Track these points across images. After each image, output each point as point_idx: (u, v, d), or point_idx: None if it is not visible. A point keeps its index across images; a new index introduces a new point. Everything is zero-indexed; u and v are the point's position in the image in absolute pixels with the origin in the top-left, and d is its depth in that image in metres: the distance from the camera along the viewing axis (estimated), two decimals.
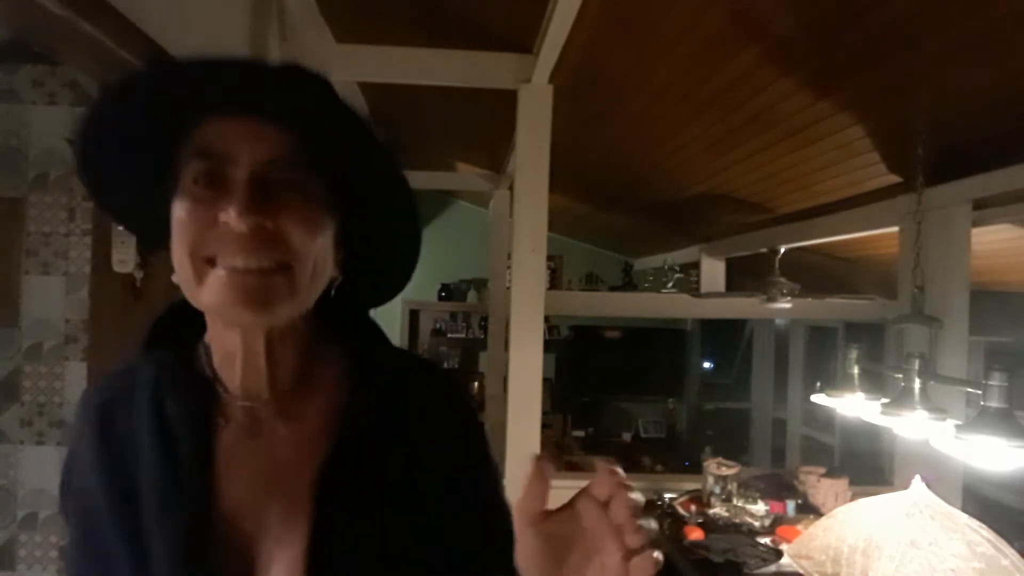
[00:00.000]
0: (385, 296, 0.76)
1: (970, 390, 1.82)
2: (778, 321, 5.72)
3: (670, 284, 4.79)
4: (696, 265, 4.82)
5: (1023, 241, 2.55)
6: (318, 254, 0.62)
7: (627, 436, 6.32)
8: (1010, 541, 1.56)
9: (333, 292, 0.67)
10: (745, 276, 4.39)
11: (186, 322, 0.68)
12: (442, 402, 0.73)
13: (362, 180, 0.64)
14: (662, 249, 5.52)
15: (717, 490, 3.12)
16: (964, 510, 1.71)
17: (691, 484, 3.31)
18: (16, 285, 1.86)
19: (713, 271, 4.69)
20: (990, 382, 1.46)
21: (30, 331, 1.86)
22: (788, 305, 3.27)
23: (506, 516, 0.67)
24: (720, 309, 4.13)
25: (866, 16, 1.61)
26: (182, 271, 0.59)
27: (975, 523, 1.58)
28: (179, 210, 0.59)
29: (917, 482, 1.69)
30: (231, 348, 0.64)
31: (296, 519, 0.62)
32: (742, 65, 2.06)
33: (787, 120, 2.34)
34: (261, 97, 0.58)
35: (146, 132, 0.61)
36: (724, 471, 3.14)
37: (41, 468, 1.86)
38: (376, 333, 0.74)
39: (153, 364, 0.68)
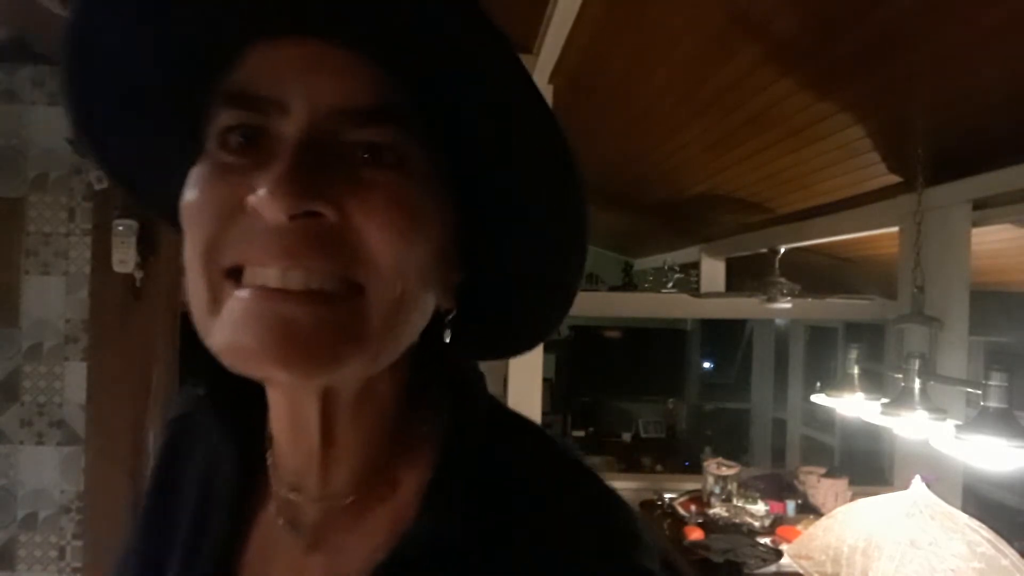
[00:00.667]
0: (516, 345, 0.49)
1: (970, 390, 1.82)
2: (778, 321, 5.72)
3: (670, 284, 4.79)
4: (696, 265, 4.82)
5: (1023, 241, 2.55)
6: (415, 272, 0.37)
7: (627, 436, 6.32)
8: (1010, 541, 1.56)
9: (447, 335, 0.44)
10: (745, 276, 4.39)
11: None
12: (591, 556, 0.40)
13: (503, 154, 0.39)
14: (662, 249, 5.52)
15: (717, 490, 3.12)
16: (964, 510, 1.71)
17: (691, 484, 3.31)
18: (16, 285, 1.86)
19: (713, 271, 4.69)
20: (990, 382, 1.46)
21: (30, 331, 1.86)
22: (788, 305, 3.28)
23: None
24: (720, 309, 4.14)
25: (866, 16, 1.61)
26: (193, 291, 0.37)
27: (975, 523, 1.58)
28: (189, 187, 0.37)
29: (917, 482, 1.69)
30: (276, 416, 0.44)
31: None
32: (742, 65, 2.06)
33: (787, 120, 2.34)
34: (330, 7, 0.35)
35: (163, 61, 0.39)
36: (724, 471, 3.14)
37: (41, 468, 1.86)
38: (481, 404, 0.46)
39: (194, 406, 0.51)
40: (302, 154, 0.34)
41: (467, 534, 0.40)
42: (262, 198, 0.33)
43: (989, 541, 1.52)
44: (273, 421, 0.44)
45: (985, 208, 2.21)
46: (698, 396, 6.86)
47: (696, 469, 3.48)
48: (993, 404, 1.46)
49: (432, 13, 0.34)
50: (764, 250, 3.55)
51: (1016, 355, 3.22)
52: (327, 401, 0.41)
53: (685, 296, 4.30)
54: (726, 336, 6.78)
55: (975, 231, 2.26)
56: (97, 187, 1.73)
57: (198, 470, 0.49)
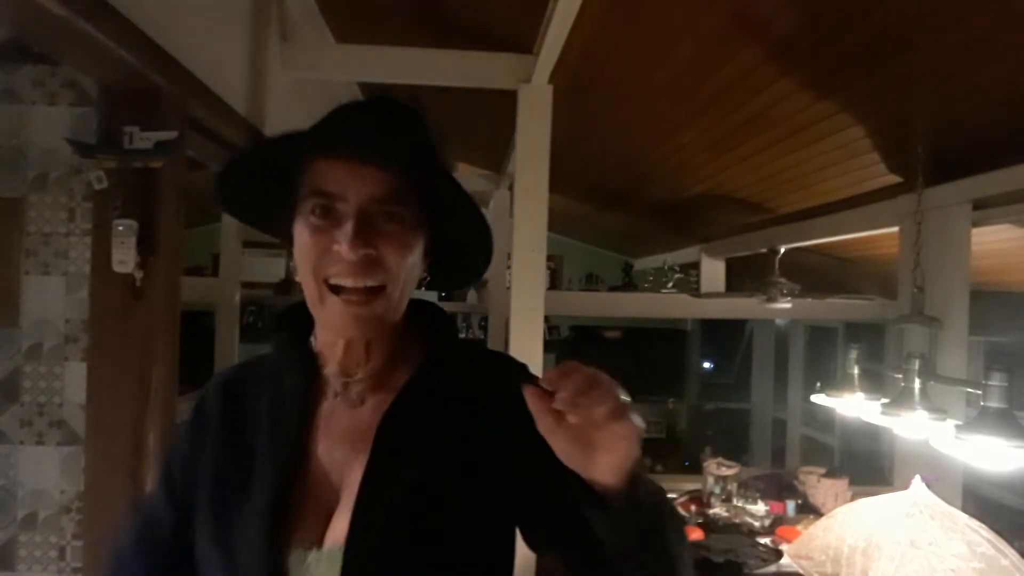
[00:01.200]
0: (465, 283, 0.96)
1: (970, 390, 1.82)
2: (778, 321, 5.72)
3: (670, 284, 4.79)
4: (696, 265, 4.82)
5: (1023, 241, 2.55)
6: (408, 271, 0.77)
7: None
8: (1010, 541, 1.56)
9: (423, 287, 0.85)
10: (745, 276, 4.39)
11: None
12: (504, 382, 0.79)
13: (441, 199, 0.77)
14: (662, 249, 5.52)
15: (717, 490, 3.12)
16: (964, 510, 1.71)
17: (691, 484, 3.31)
18: (16, 285, 1.86)
19: (713, 271, 4.69)
20: (990, 382, 1.46)
21: (30, 331, 1.86)
22: (788, 305, 3.28)
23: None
24: (720, 309, 4.13)
25: (866, 16, 1.62)
26: (307, 288, 0.76)
27: (975, 523, 1.58)
28: (302, 236, 0.75)
29: (917, 482, 1.69)
30: (334, 341, 0.80)
31: (362, 459, 0.76)
32: (742, 65, 2.06)
33: (787, 120, 2.34)
34: (364, 144, 0.74)
35: (271, 168, 0.78)
36: (724, 471, 3.14)
37: (41, 468, 1.85)
38: (451, 325, 0.90)
39: (275, 344, 0.86)
40: (358, 223, 0.72)
41: (436, 387, 0.81)
42: (343, 247, 0.72)
43: (989, 541, 1.52)
44: (333, 347, 0.81)
45: (985, 208, 2.21)
46: (698, 396, 6.86)
47: (696, 469, 3.47)
48: (993, 404, 1.46)
49: (411, 148, 0.76)
50: (764, 250, 3.55)
51: (1016, 355, 3.22)
52: (369, 338, 0.80)
53: (685, 296, 4.30)
54: (726, 336, 6.78)
55: (975, 231, 2.26)
56: (97, 187, 1.73)
57: (266, 401, 0.84)
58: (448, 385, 0.81)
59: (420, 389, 0.80)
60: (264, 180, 0.79)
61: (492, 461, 0.78)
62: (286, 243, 0.81)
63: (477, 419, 0.80)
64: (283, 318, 0.87)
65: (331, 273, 0.73)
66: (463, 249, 0.85)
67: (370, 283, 0.73)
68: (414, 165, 0.74)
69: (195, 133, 1.91)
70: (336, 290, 0.74)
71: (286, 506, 0.75)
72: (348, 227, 0.71)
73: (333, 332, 0.79)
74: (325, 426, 0.81)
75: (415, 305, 0.84)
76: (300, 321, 0.84)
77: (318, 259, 0.73)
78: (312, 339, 0.84)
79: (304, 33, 2.65)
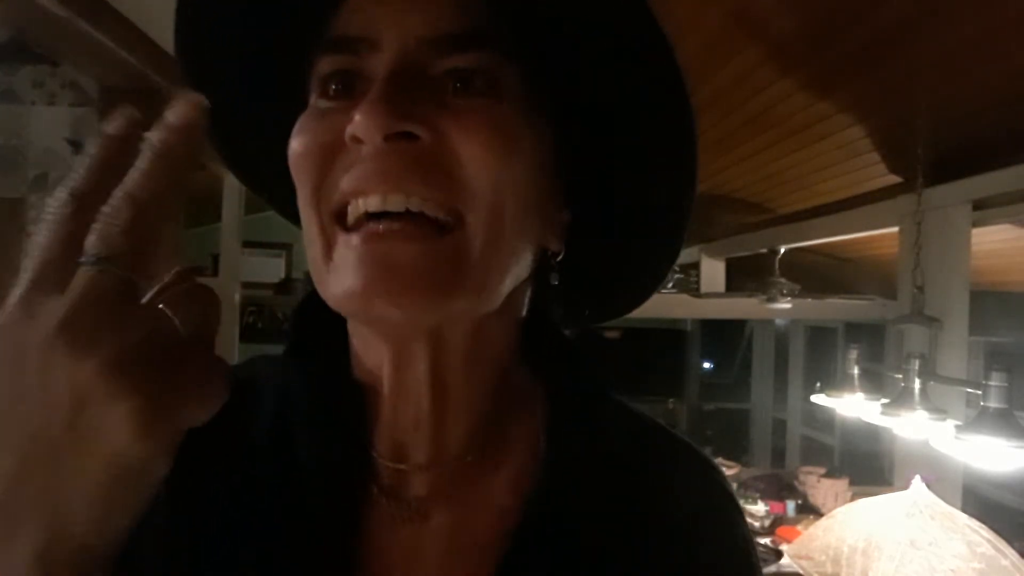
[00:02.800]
0: (617, 304, 0.49)
1: (970, 390, 1.82)
2: (778, 321, 5.72)
3: (670, 284, 4.79)
4: (696, 265, 4.82)
5: (1023, 241, 2.55)
6: (516, 197, 0.36)
7: None
8: (1010, 541, 1.56)
9: (553, 281, 0.42)
10: (745, 276, 4.39)
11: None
12: (696, 510, 0.44)
13: (603, 74, 0.38)
14: None
15: None
16: (964, 510, 1.71)
17: None
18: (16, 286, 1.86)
19: (713, 271, 4.69)
20: (990, 382, 1.46)
21: None
22: (788, 305, 3.28)
23: None
24: (720, 309, 4.14)
25: (866, 16, 1.61)
26: (310, 243, 0.38)
27: (975, 523, 1.58)
28: (295, 135, 0.38)
29: (917, 482, 1.69)
30: (376, 374, 0.41)
31: None
32: (742, 65, 2.06)
33: (787, 120, 2.33)
34: None
35: (271, 33, 0.40)
36: (724, 471, 3.15)
37: None
38: (588, 366, 0.47)
39: (297, 379, 0.44)
40: (394, 81, 0.34)
41: (589, 497, 0.41)
42: (357, 122, 0.33)
43: (989, 541, 1.52)
44: (372, 384, 0.41)
45: (985, 208, 2.21)
46: (698, 396, 6.86)
47: None
48: (993, 404, 1.45)
49: None
50: (764, 250, 3.55)
51: (1016, 355, 3.22)
52: (436, 348, 0.38)
53: (685, 296, 4.30)
54: (726, 336, 6.78)
55: (975, 231, 2.26)
56: None
57: (266, 467, 0.42)
58: (601, 506, 0.41)
59: (549, 514, 0.40)
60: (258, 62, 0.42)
61: None
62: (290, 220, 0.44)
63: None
64: (304, 320, 0.45)
65: (341, 190, 0.36)
66: (630, 217, 0.44)
67: (423, 205, 0.35)
68: None
69: None
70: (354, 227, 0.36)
71: None
72: (374, 87, 0.35)
73: (348, 309, 0.37)
74: (375, 547, 0.40)
75: (530, 326, 0.44)
76: (332, 338, 0.44)
77: (323, 168, 0.36)
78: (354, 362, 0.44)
79: None
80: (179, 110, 0.28)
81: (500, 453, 0.42)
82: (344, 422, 0.42)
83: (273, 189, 0.47)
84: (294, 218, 0.42)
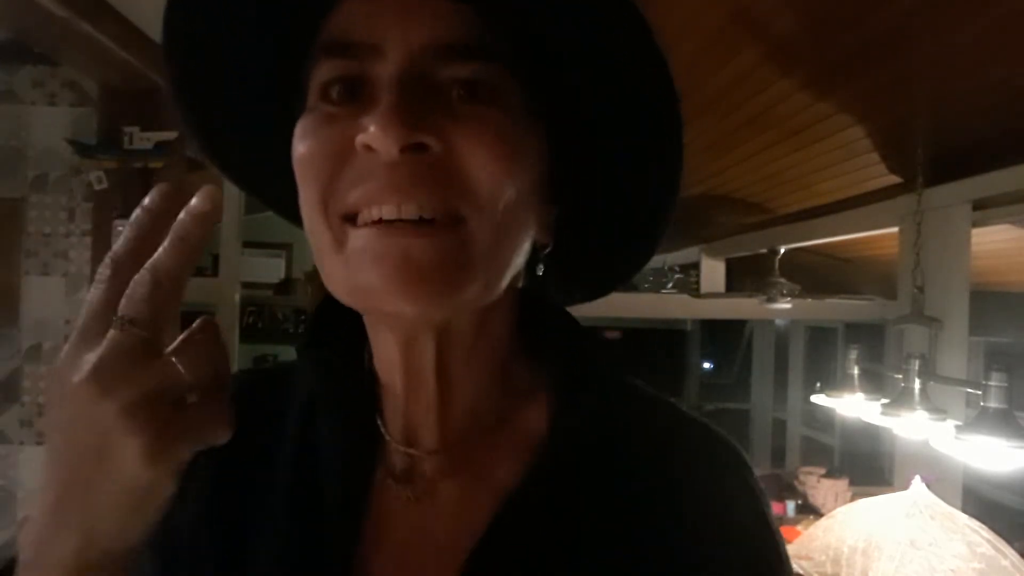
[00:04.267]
0: (599, 287, 0.51)
1: (970, 390, 1.82)
2: (778, 321, 5.72)
3: (670, 284, 4.79)
4: (696, 265, 4.82)
5: (1023, 241, 2.55)
6: (515, 200, 0.38)
7: None
8: (1010, 541, 1.56)
9: (540, 270, 0.45)
10: (745, 276, 4.39)
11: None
12: (712, 495, 0.44)
13: (593, 89, 0.41)
14: (662, 249, 5.50)
15: None
16: (964, 510, 1.71)
17: None
18: (16, 286, 1.86)
19: (713, 271, 4.69)
20: (990, 382, 1.46)
21: (30, 332, 1.86)
22: (788, 305, 3.28)
23: None
24: (720, 309, 4.14)
25: (866, 16, 1.61)
26: (316, 242, 0.39)
27: (975, 523, 1.58)
28: (299, 140, 0.39)
29: (917, 482, 1.68)
30: (388, 364, 0.44)
31: None
32: (742, 66, 2.06)
33: (787, 120, 2.33)
34: None
35: (261, 32, 0.41)
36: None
37: (41, 469, 1.86)
38: (592, 348, 0.48)
39: (314, 369, 0.47)
40: (405, 89, 0.36)
41: (590, 476, 0.42)
42: (373, 133, 0.35)
43: (989, 541, 1.52)
44: (386, 374, 0.45)
45: (985, 208, 2.22)
46: (698, 396, 6.86)
47: None
48: (993, 404, 1.45)
49: None
50: (764, 250, 3.55)
51: (1016, 355, 3.22)
52: (442, 340, 0.41)
53: (685, 296, 4.30)
54: (726, 336, 6.78)
55: (975, 231, 2.26)
56: (97, 187, 1.73)
57: (289, 453, 0.46)
58: (602, 484, 0.43)
59: (546, 491, 0.42)
60: (250, 60, 0.43)
61: None
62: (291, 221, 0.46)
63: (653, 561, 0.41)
64: (322, 317, 0.47)
65: (358, 200, 0.37)
66: (618, 210, 0.46)
67: (434, 212, 0.37)
68: None
69: None
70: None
71: None
72: (384, 97, 0.36)
73: (362, 302, 0.39)
74: (382, 525, 0.43)
75: (529, 309, 0.47)
76: (350, 332, 0.46)
77: (331, 174, 0.37)
78: (367, 357, 0.47)
79: None
80: (201, 201, 0.33)
81: (504, 435, 0.44)
82: (361, 410, 0.45)
83: (265, 188, 0.49)
84: (288, 214, 0.45)
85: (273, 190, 0.47)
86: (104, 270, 0.33)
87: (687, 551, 0.41)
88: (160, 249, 0.32)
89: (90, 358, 0.31)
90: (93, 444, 0.32)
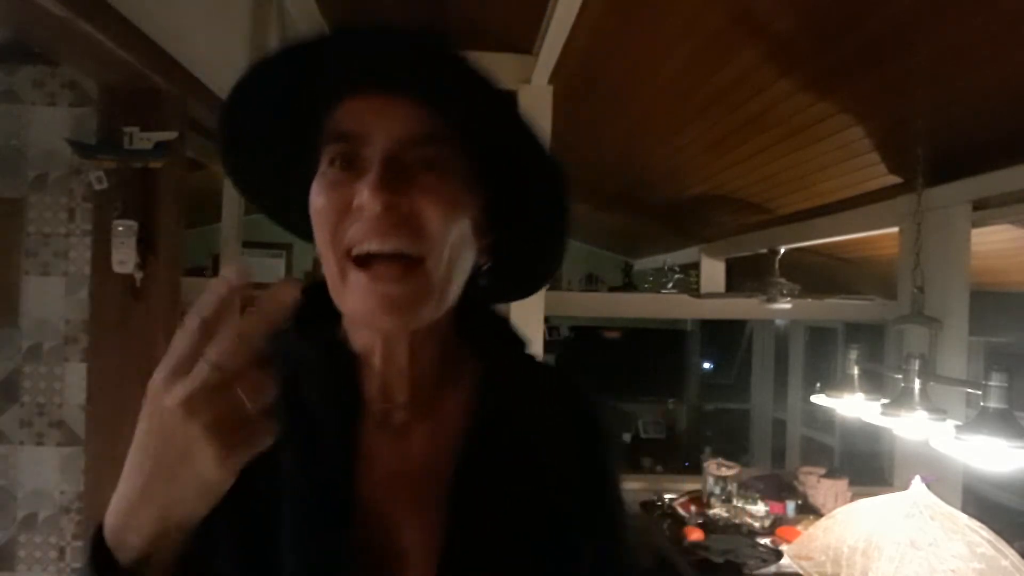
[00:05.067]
0: (528, 289, 0.74)
1: (970, 390, 1.82)
2: (778, 321, 5.72)
3: (670, 284, 4.79)
4: (696, 265, 4.82)
5: (1023, 241, 2.55)
6: (455, 240, 0.58)
7: (627, 437, 6.31)
8: (1010, 541, 1.56)
9: (482, 282, 0.65)
10: (745, 276, 4.39)
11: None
12: (578, 427, 0.70)
13: (505, 156, 0.60)
14: (662, 249, 5.52)
15: (717, 491, 3.12)
16: (964, 510, 1.71)
17: (691, 485, 3.31)
18: (16, 286, 1.86)
19: (713, 271, 4.69)
20: (990, 382, 1.46)
21: (30, 331, 1.86)
22: (788, 305, 3.28)
23: (629, 559, 0.72)
24: (720, 309, 4.14)
25: (866, 17, 1.62)
26: (327, 267, 0.59)
27: (975, 524, 1.58)
28: (315, 196, 0.58)
29: (917, 482, 1.69)
30: (371, 342, 0.63)
31: (430, 520, 0.60)
32: (742, 66, 2.06)
33: (787, 121, 2.34)
34: (394, 73, 0.56)
35: (287, 116, 0.61)
36: (724, 472, 3.14)
37: (41, 469, 1.86)
38: (513, 335, 0.72)
39: (298, 337, 0.61)
40: (384, 167, 0.55)
41: (501, 420, 0.65)
42: (367, 198, 0.54)
43: (989, 542, 1.52)
44: (367, 353, 0.63)
45: (985, 208, 2.22)
46: (698, 396, 6.86)
47: (696, 470, 3.47)
48: (993, 404, 1.45)
49: (456, 80, 0.55)
50: (764, 250, 3.55)
51: (1016, 355, 3.22)
52: (411, 336, 0.62)
53: (685, 296, 4.30)
54: (726, 336, 6.78)
55: (975, 231, 2.26)
56: (97, 187, 1.73)
57: (284, 417, 0.55)
58: (512, 418, 0.66)
59: (486, 421, 0.64)
60: (278, 134, 0.63)
61: (567, 519, 0.65)
62: (298, 236, 0.67)
63: (548, 468, 0.66)
64: (307, 298, 0.59)
65: (353, 239, 0.56)
66: (527, 240, 0.67)
67: (404, 249, 0.55)
68: (459, 93, 0.56)
69: (195, 133, 1.91)
70: (361, 263, 0.56)
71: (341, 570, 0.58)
72: (372, 173, 0.54)
73: (360, 320, 0.60)
74: (369, 464, 0.61)
75: (467, 310, 0.67)
76: (326, 311, 0.62)
77: (337, 222, 0.56)
78: (346, 335, 0.65)
79: (304, 33, 2.65)
80: (283, 292, 0.45)
81: (450, 391, 0.66)
82: (348, 376, 0.64)
83: (274, 206, 0.70)
84: (287, 226, 0.69)
85: (274, 205, 0.70)
86: (192, 323, 0.44)
87: (555, 450, 0.67)
88: (247, 316, 0.44)
89: (181, 388, 0.43)
90: (178, 450, 0.44)
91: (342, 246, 0.56)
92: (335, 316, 0.62)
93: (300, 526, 0.58)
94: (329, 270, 0.58)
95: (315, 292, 0.59)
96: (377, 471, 0.61)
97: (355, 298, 0.57)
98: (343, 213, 0.56)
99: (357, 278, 0.56)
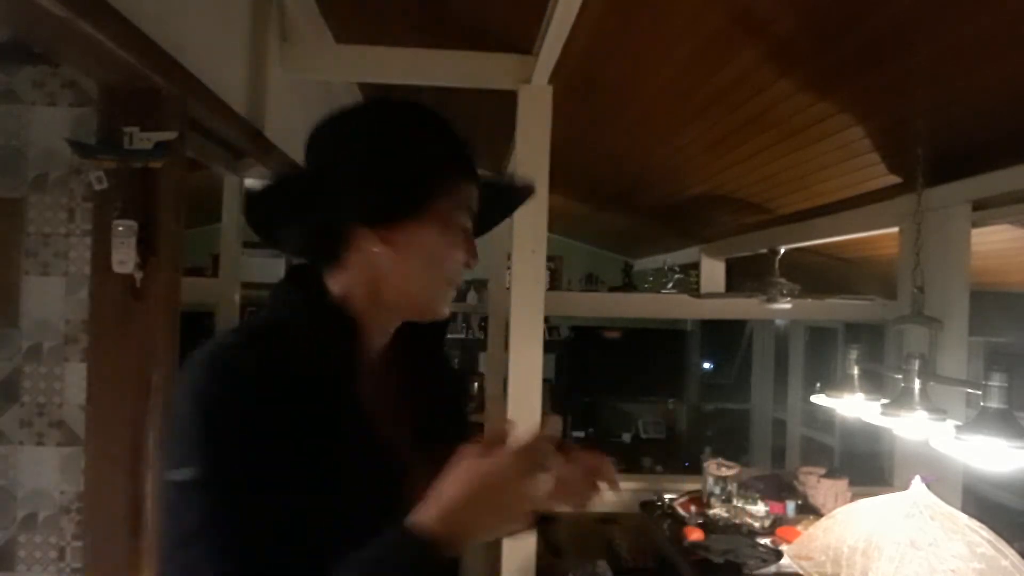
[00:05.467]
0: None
1: (970, 390, 1.82)
2: (778, 321, 5.72)
3: (670, 284, 4.79)
4: (696, 265, 4.82)
5: (1023, 241, 2.55)
6: None
7: (627, 437, 6.32)
8: (1010, 541, 1.56)
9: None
10: (745, 276, 4.39)
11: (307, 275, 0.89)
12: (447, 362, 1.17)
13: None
14: (662, 249, 5.52)
15: (717, 491, 3.12)
16: (964, 510, 1.71)
17: (691, 485, 3.30)
18: (16, 286, 1.86)
19: (713, 271, 4.69)
20: (990, 382, 1.46)
21: (30, 332, 1.86)
22: (788, 305, 3.27)
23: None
24: (720, 309, 4.14)
25: (866, 17, 1.62)
26: (431, 286, 0.89)
27: (975, 524, 1.58)
28: (446, 245, 0.87)
29: (917, 482, 1.69)
30: (389, 321, 0.91)
31: (405, 420, 0.89)
32: (742, 66, 2.06)
33: (787, 121, 2.34)
34: (504, 192, 1.04)
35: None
36: (724, 472, 3.14)
37: (41, 469, 1.85)
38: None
39: (308, 310, 0.86)
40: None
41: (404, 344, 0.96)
42: (473, 260, 0.90)
43: (989, 542, 1.52)
44: (385, 326, 0.92)
45: (985, 208, 2.21)
46: (698, 396, 6.86)
47: (696, 470, 3.47)
48: (993, 404, 1.45)
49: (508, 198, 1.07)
50: (764, 250, 3.54)
51: (1016, 355, 3.22)
52: None
53: (685, 296, 4.30)
54: (726, 336, 6.77)
55: (975, 231, 2.26)
56: (97, 187, 1.73)
57: (308, 373, 0.80)
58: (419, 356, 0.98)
59: (414, 363, 0.96)
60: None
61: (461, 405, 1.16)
62: (293, 253, 0.93)
63: (446, 380, 1.08)
64: (294, 279, 0.90)
65: (454, 276, 0.89)
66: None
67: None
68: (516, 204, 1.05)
69: (195, 133, 1.90)
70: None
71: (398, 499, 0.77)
72: (474, 244, 0.89)
73: (433, 316, 0.91)
74: (369, 393, 0.86)
75: None
76: (312, 283, 0.88)
77: (453, 263, 0.87)
78: (333, 302, 0.88)
79: (304, 33, 2.64)
80: (552, 425, 0.76)
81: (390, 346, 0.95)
82: (350, 334, 0.87)
83: (272, 239, 0.93)
84: (274, 248, 1.00)
85: (275, 239, 0.93)
86: (543, 446, 0.73)
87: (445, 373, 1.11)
88: (544, 456, 0.73)
89: (527, 482, 0.71)
90: (505, 510, 0.71)
91: (449, 276, 0.89)
92: (322, 289, 0.88)
93: (360, 462, 0.81)
94: (430, 289, 0.89)
95: (300, 271, 0.90)
96: (375, 400, 0.85)
97: (446, 307, 0.92)
98: (456, 259, 0.88)
99: (448, 294, 0.91)
